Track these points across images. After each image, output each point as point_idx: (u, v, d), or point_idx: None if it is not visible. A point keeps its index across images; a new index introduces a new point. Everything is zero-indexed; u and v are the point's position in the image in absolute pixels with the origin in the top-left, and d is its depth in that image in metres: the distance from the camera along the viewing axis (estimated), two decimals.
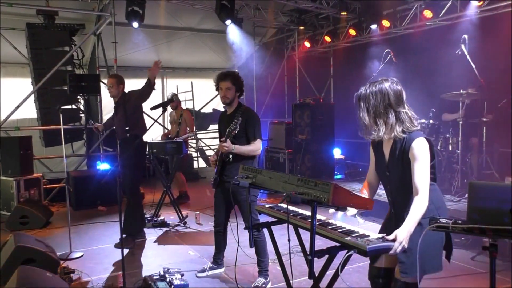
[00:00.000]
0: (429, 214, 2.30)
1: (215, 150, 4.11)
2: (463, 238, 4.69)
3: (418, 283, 2.26)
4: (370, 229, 2.38)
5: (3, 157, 6.74)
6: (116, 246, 4.83)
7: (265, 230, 3.00)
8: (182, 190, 7.33)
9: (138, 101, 5.03)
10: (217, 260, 4.20)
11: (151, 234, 5.48)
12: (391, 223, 2.52)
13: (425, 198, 2.27)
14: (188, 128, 7.03)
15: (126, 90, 5.17)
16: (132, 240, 4.99)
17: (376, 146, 2.55)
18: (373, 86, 2.37)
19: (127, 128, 4.87)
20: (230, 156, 3.79)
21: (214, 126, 11.47)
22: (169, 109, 7.30)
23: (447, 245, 2.42)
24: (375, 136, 2.41)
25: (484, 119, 5.69)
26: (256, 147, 3.81)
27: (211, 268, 4.17)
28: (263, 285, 3.79)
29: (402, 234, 2.18)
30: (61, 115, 4.66)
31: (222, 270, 4.20)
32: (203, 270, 4.14)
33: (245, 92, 4.21)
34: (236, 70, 11.83)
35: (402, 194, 2.41)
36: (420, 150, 2.29)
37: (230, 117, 3.86)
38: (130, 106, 4.98)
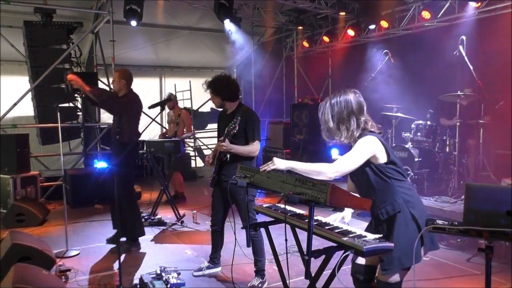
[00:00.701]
0: (398, 208, 2.44)
1: (213, 149, 4.10)
2: (459, 240, 4.70)
3: (410, 269, 2.30)
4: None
5: (0, 155, 6.72)
6: (113, 250, 4.78)
7: (263, 230, 2.99)
8: (178, 190, 7.31)
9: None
10: (214, 259, 4.20)
11: (148, 233, 5.46)
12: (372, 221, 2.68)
13: (331, 172, 2.36)
14: (185, 128, 7.02)
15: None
16: (134, 243, 4.89)
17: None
18: (338, 96, 2.56)
19: (118, 129, 4.77)
20: (228, 156, 3.79)
21: (212, 125, 11.46)
22: (167, 108, 7.30)
23: (422, 240, 2.47)
24: (337, 140, 2.58)
25: (481, 120, 5.71)
26: (254, 148, 3.81)
27: (208, 267, 4.17)
28: (260, 285, 3.79)
29: (280, 161, 2.43)
30: (58, 113, 4.64)
31: (218, 269, 4.20)
32: (200, 269, 4.14)
33: (243, 91, 4.19)
34: (230, 72, 11.85)
35: (369, 194, 2.52)
36: (360, 142, 2.45)
37: (230, 116, 3.85)
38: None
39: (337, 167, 2.40)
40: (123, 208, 4.78)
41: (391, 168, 2.48)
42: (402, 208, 2.44)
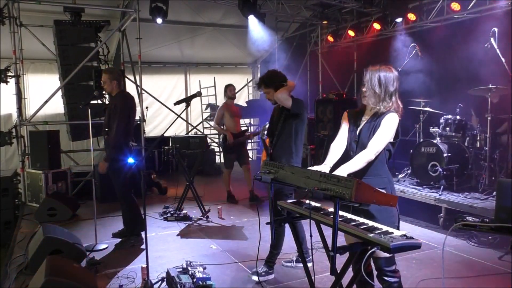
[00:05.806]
0: (383, 185, 2.57)
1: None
2: (490, 237, 4.57)
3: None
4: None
5: (32, 151, 6.95)
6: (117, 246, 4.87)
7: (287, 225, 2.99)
8: (228, 190, 7.06)
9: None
10: (269, 262, 3.92)
11: (174, 228, 5.56)
12: None
13: (372, 153, 2.51)
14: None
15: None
16: (137, 238, 4.90)
17: (354, 115, 2.80)
18: (385, 71, 2.61)
19: (106, 129, 4.77)
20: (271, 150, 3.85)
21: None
22: (224, 99, 6.81)
23: None
24: (377, 109, 2.62)
25: None
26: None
27: (261, 275, 3.84)
28: (263, 273, 3.81)
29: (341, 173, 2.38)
30: (89, 110, 4.75)
31: (272, 276, 3.91)
32: (254, 273, 3.89)
33: None
34: (254, 68, 11.83)
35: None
36: (390, 121, 2.56)
37: (279, 112, 3.97)
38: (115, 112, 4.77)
39: (375, 147, 2.52)
40: (121, 204, 4.93)
41: (389, 147, 2.62)
42: (387, 187, 2.57)
